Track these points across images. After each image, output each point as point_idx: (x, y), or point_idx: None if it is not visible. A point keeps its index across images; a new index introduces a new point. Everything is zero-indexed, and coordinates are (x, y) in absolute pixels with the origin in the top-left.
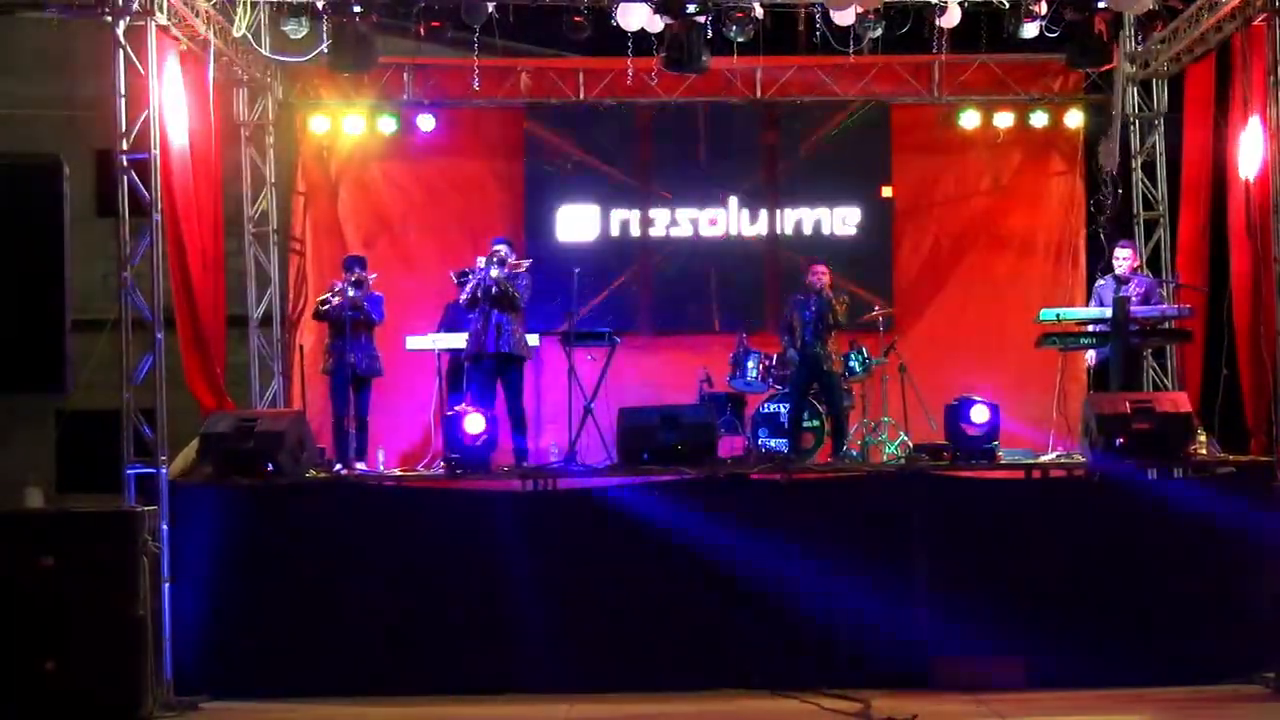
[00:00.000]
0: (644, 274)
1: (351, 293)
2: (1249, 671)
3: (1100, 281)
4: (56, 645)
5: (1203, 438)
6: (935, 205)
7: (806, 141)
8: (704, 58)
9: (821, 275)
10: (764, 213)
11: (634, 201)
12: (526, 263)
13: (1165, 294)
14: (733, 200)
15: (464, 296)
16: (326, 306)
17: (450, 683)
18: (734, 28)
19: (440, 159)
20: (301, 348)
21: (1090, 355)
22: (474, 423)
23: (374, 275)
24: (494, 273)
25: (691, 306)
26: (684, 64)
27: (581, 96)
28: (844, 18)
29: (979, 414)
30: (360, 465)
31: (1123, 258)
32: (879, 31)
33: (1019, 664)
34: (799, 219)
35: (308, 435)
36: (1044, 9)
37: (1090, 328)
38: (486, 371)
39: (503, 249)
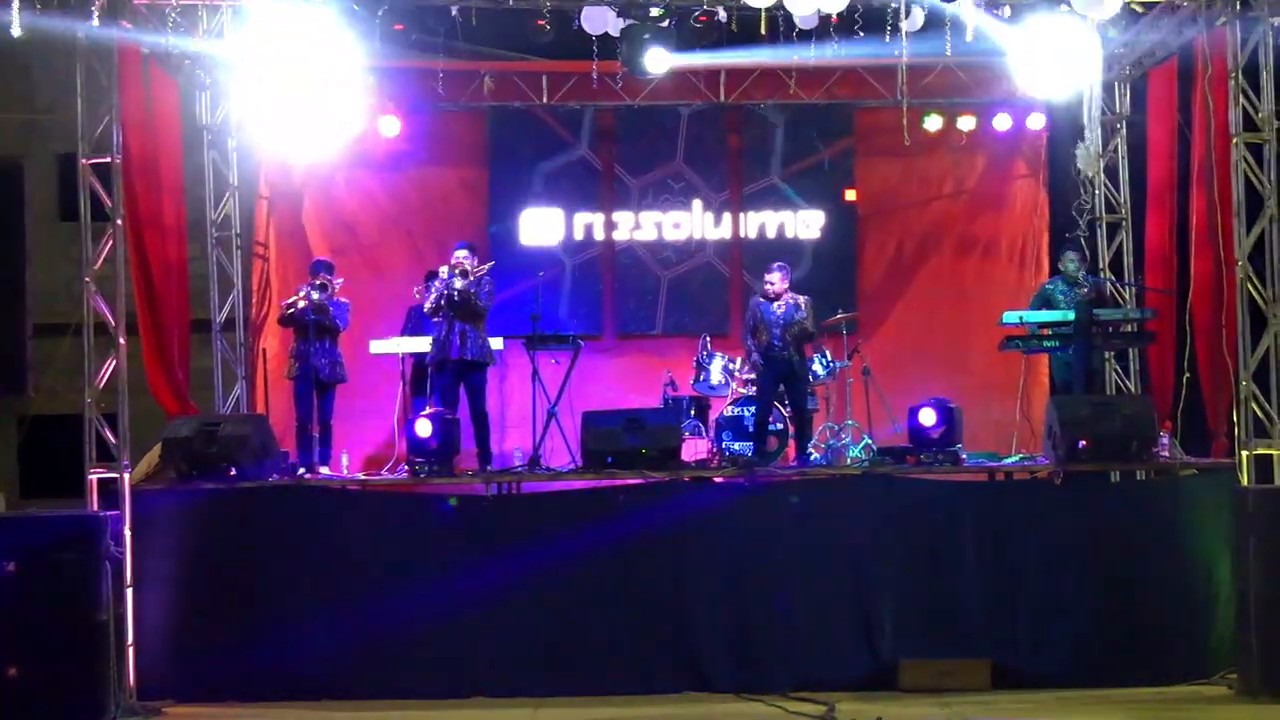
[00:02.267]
0: (607, 278)
1: (316, 296)
2: (1213, 672)
3: (1050, 285)
4: (19, 651)
5: (1165, 440)
6: (899, 209)
7: (772, 146)
8: (646, 61)
9: (780, 281)
10: (728, 216)
11: (598, 204)
12: (487, 265)
13: (1127, 295)
14: (696, 203)
15: (428, 305)
16: (291, 310)
17: (414, 687)
18: (697, 30)
19: (404, 163)
20: (264, 351)
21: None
22: (422, 426)
23: (340, 281)
24: (457, 283)
25: (655, 310)
26: (631, 67)
27: (546, 100)
28: (807, 22)
29: (943, 416)
30: (324, 469)
31: (1073, 260)
32: (843, 36)
33: (985, 666)
34: (762, 222)
35: (271, 439)
36: (1008, 12)
37: (1047, 330)
38: (450, 377)
39: (464, 254)
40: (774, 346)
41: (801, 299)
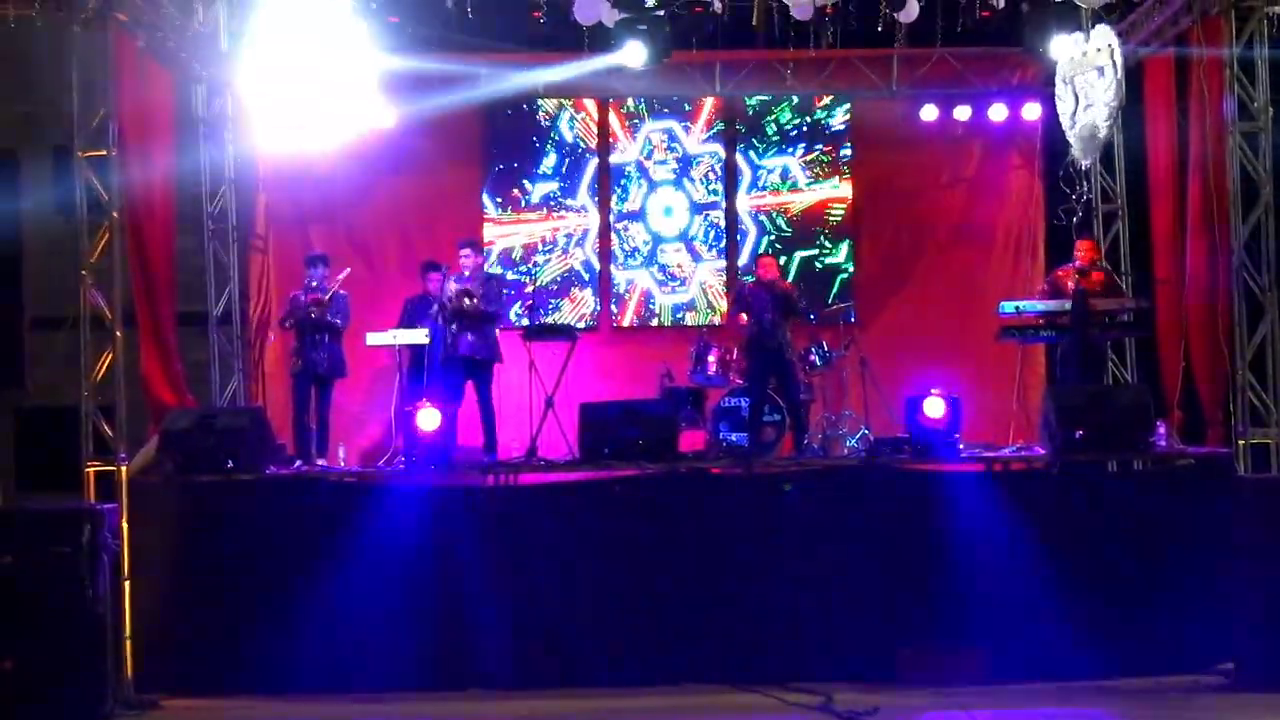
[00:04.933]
0: (604, 266)
1: (314, 284)
2: (1208, 662)
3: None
4: (16, 643)
5: (1163, 429)
6: (895, 199)
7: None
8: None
9: (769, 269)
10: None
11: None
12: (497, 269)
13: (1124, 285)
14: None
15: (440, 319)
16: (293, 306)
17: (412, 679)
18: (692, 22)
19: (400, 157)
20: (262, 344)
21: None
22: (428, 418)
23: (347, 272)
24: (450, 286)
25: (651, 300)
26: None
27: (539, 91)
28: (803, 12)
29: (939, 407)
30: (321, 461)
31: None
32: (837, 27)
33: (982, 656)
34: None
35: (268, 432)
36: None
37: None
38: (457, 372)
39: (466, 253)
40: (764, 331)
41: (787, 281)
